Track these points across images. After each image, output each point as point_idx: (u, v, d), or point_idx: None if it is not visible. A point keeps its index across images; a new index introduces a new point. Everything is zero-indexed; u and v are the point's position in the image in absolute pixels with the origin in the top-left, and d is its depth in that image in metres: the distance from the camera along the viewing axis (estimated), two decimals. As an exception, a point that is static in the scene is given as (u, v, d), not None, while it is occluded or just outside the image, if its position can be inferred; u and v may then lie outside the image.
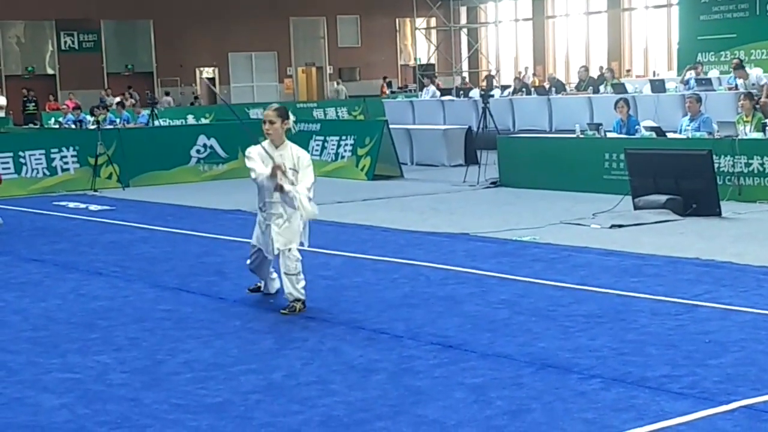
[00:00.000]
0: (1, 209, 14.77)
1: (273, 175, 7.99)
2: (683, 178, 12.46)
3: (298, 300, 8.10)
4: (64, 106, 31.76)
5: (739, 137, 13.66)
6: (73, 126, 25.76)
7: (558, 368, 6.32)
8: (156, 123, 25.33)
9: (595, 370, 6.25)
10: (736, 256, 9.70)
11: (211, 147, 19.76)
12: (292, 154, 8.15)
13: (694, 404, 5.54)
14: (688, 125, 14.64)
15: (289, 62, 46.98)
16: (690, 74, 23.77)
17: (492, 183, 16.56)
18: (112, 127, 22.87)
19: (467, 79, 42.47)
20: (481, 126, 18.58)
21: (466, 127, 21.00)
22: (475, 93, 25.95)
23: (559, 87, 26.23)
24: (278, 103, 8.56)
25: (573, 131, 15.99)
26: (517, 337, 7.11)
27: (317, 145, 19.94)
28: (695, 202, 12.30)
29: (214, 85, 42.89)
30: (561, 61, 45.02)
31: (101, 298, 9.01)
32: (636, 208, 12.68)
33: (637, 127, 15.31)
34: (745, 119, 14.36)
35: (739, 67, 21.95)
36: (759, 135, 13.67)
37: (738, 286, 8.49)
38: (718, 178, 12.71)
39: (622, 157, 13.99)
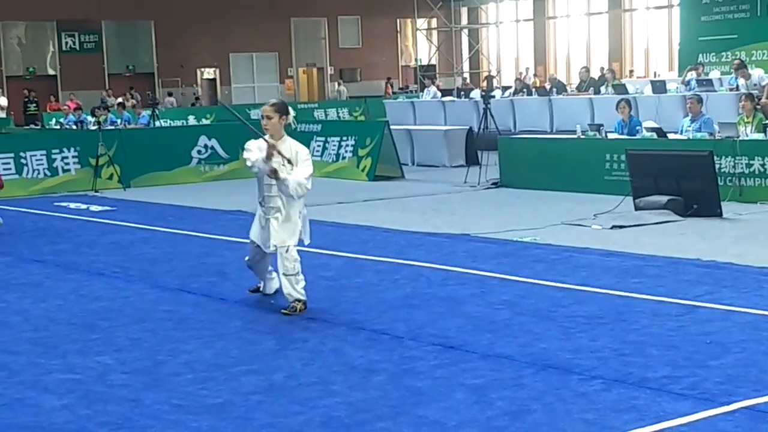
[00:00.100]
0: (1, 210, 14.77)
1: (268, 157, 7.99)
2: (684, 179, 12.46)
3: (299, 300, 8.09)
4: (65, 107, 31.80)
5: (740, 138, 13.65)
6: (74, 127, 25.77)
7: (559, 369, 6.32)
8: (157, 124, 25.33)
9: (596, 370, 6.25)
10: (737, 257, 9.70)
11: (212, 148, 19.76)
12: (290, 148, 8.15)
13: (695, 405, 5.54)
14: (689, 126, 14.64)
15: (290, 63, 47.01)
16: (691, 75, 23.76)
17: (493, 184, 16.56)
18: (113, 127, 22.88)
19: (468, 80, 42.50)
20: (482, 127, 18.57)
21: (467, 127, 21.00)
22: (476, 94, 25.95)
23: (560, 88, 26.23)
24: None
25: (574, 132, 15.98)
26: (518, 338, 7.11)
27: (318, 145, 19.94)
28: (696, 202, 12.30)
29: (216, 94, 42.86)
30: (562, 62, 45.04)
31: (102, 298, 9.01)
32: (637, 208, 12.68)
33: (638, 128, 15.31)
34: (746, 120, 14.36)
35: (742, 66, 21.95)
36: (760, 136, 13.67)
37: (739, 287, 8.49)
38: (719, 178, 12.71)
39: (623, 157, 13.99)
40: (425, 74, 39.32)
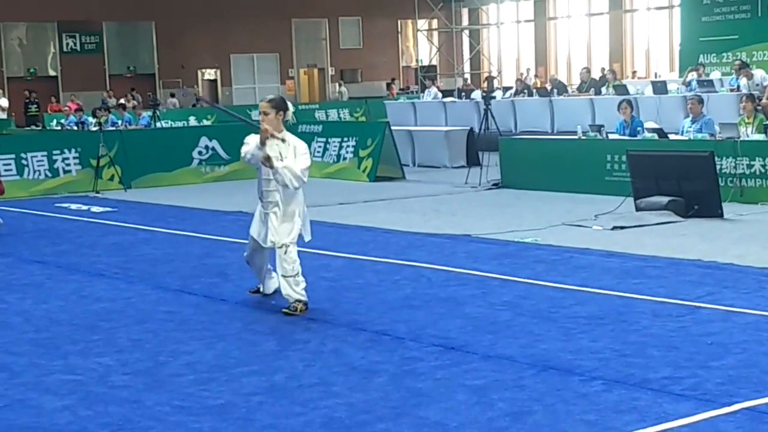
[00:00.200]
0: (2, 210, 14.77)
1: (263, 143, 7.99)
2: (685, 180, 12.46)
3: (299, 301, 8.09)
4: (66, 108, 31.80)
5: (741, 139, 13.65)
6: (75, 128, 25.78)
7: (560, 370, 6.32)
8: (158, 125, 25.34)
9: (597, 371, 6.25)
10: (738, 257, 9.70)
11: (213, 149, 19.76)
12: (288, 142, 8.16)
13: (696, 406, 5.54)
14: (690, 127, 14.64)
15: (290, 64, 47.02)
16: (692, 76, 23.76)
17: (494, 184, 16.56)
18: (114, 128, 22.88)
19: (469, 81, 42.49)
20: (483, 127, 18.57)
21: (468, 128, 21.01)
22: (476, 94, 25.96)
23: (561, 88, 26.23)
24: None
25: (575, 133, 15.99)
26: (519, 339, 7.11)
27: (319, 146, 19.94)
28: (697, 203, 12.30)
29: (216, 100, 42.82)
30: (563, 63, 45.04)
31: (103, 299, 9.02)
32: (638, 209, 12.68)
33: (639, 128, 15.30)
34: (746, 121, 14.35)
35: (744, 66, 21.96)
36: (761, 136, 13.67)
37: (740, 287, 8.49)
38: (719, 179, 12.71)
39: (623, 158, 13.99)
40: (426, 75, 39.32)
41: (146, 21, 43.36)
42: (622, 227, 11.77)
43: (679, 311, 7.74)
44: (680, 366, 6.30)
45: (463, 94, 27.93)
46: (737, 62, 23.37)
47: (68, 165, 18.54)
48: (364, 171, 18.83)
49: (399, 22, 48.89)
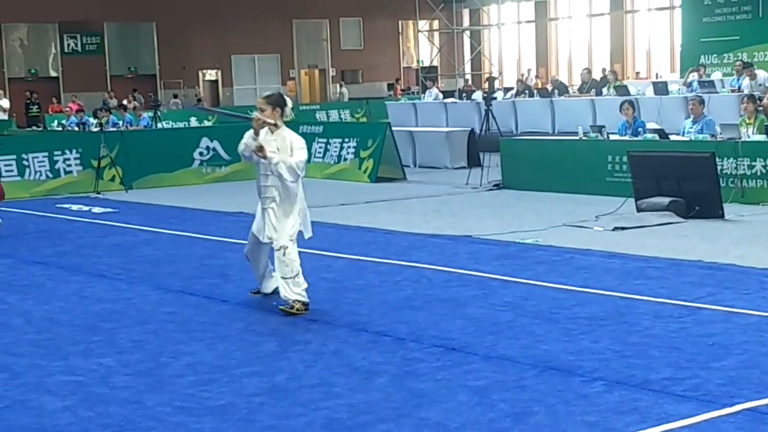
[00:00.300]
0: (3, 211, 14.77)
1: (256, 132, 8.00)
2: (686, 181, 12.46)
3: (297, 301, 8.08)
4: (67, 109, 31.80)
5: (742, 139, 13.65)
6: (76, 128, 25.77)
7: (561, 371, 6.32)
8: (159, 125, 25.34)
9: (598, 372, 6.25)
10: (739, 258, 9.70)
11: (214, 149, 19.76)
12: (285, 137, 8.17)
13: (697, 407, 5.54)
14: (691, 127, 14.64)
15: (291, 64, 47.02)
16: (693, 76, 23.75)
17: (495, 185, 16.56)
18: (115, 129, 22.89)
19: (470, 82, 42.47)
20: (484, 128, 18.57)
21: (469, 129, 21.01)
22: (477, 95, 25.96)
23: (562, 89, 26.23)
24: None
25: (576, 133, 15.98)
26: (520, 340, 7.11)
27: (320, 147, 19.95)
28: (698, 204, 12.30)
29: (217, 101, 42.79)
30: (564, 64, 45.03)
31: (104, 300, 9.02)
32: (639, 210, 12.68)
33: (641, 129, 15.29)
34: (747, 121, 14.36)
35: (747, 66, 21.95)
36: (762, 137, 13.67)
37: (741, 288, 8.49)
38: (720, 180, 12.71)
39: (624, 159, 13.99)
40: (427, 76, 39.32)
41: (147, 22, 43.36)
42: (623, 228, 11.77)
43: (680, 312, 7.74)
44: (681, 367, 6.30)
45: (464, 94, 27.93)
46: (738, 63, 23.38)
47: (69, 166, 18.55)
48: (365, 172, 18.83)
49: (400, 22, 48.88)
